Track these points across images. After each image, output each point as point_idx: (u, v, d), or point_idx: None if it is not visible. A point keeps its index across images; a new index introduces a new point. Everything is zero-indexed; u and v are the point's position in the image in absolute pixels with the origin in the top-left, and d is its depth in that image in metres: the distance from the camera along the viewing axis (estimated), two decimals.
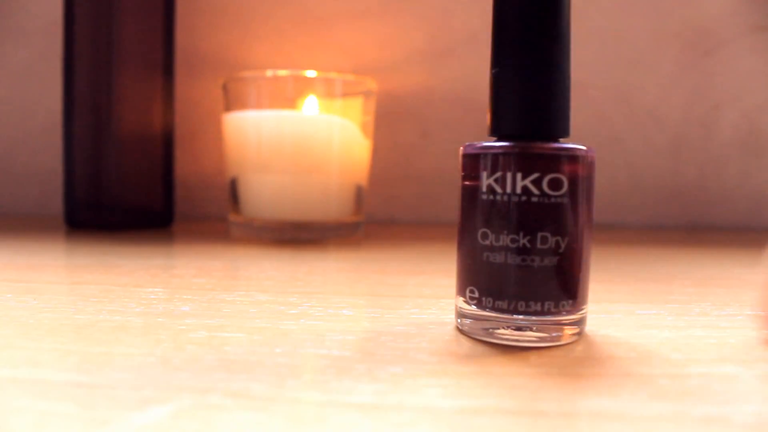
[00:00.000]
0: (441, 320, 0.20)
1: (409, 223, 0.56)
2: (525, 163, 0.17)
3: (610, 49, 0.56)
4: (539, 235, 0.17)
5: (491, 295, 0.17)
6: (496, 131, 0.18)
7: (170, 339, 0.17)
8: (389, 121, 0.55)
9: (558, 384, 0.14)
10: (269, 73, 0.42)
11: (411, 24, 0.56)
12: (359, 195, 0.43)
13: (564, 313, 0.17)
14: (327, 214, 0.41)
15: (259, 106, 0.41)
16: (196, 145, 0.56)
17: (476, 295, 0.18)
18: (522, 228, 0.17)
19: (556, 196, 0.17)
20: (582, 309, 0.18)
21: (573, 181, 0.17)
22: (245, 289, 0.24)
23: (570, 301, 0.17)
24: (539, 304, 0.17)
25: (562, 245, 0.17)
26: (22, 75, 0.58)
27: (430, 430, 0.12)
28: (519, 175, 0.17)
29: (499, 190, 0.17)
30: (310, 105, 0.41)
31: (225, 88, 0.43)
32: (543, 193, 0.17)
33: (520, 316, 0.17)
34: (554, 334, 0.17)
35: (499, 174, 0.17)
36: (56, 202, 0.51)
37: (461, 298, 0.18)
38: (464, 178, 0.18)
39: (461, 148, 0.19)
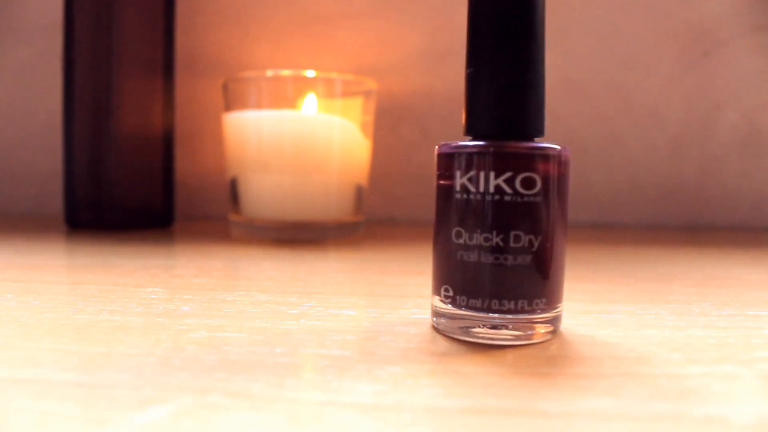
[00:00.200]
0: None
1: (409, 223, 0.56)
2: (498, 162, 0.17)
3: (610, 49, 0.56)
4: (513, 233, 0.17)
5: (465, 293, 0.17)
6: (471, 131, 0.18)
7: (170, 339, 0.17)
8: (389, 121, 0.55)
9: (558, 384, 0.14)
10: (269, 73, 0.42)
11: (411, 24, 0.56)
12: (359, 195, 0.43)
13: (538, 311, 0.18)
14: (327, 214, 0.41)
15: (259, 106, 0.41)
16: (196, 145, 0.56)
17: (451, 293, 0.18)
18: (495, 227, 0.17)
19: (529, 195, 0.17)
20: (557, 307, 0.18)
21: (546, 180, 0.17)
22: (245, 289, 0.24)
23: (544, 299, 0.18)
24: (513, 303, 0.17)
25: (536, 244, 0.17)
26: (22, 75, 0.58)
27: (430, 430, 0.12)
28: (492, 174, 0.17)
29: (472, 189, 0.17)
30: (309, 103, 0.41)
31: (225, 88, 0.43)
32: (516, 192, 0.17)
33: (495, 315, 0.17)
34: (529, 332, 0.18)
35: (472, 173, 0.17)
36: (56, 202, 0.51)
37: (437, 297, 0.19)
38: (439, 177, 0.18)
39: (436, 147, 0.19)
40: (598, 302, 0.23)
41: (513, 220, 0.17)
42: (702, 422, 0.12)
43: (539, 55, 0.18)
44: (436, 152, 0.19)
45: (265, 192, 0.41)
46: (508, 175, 0.17)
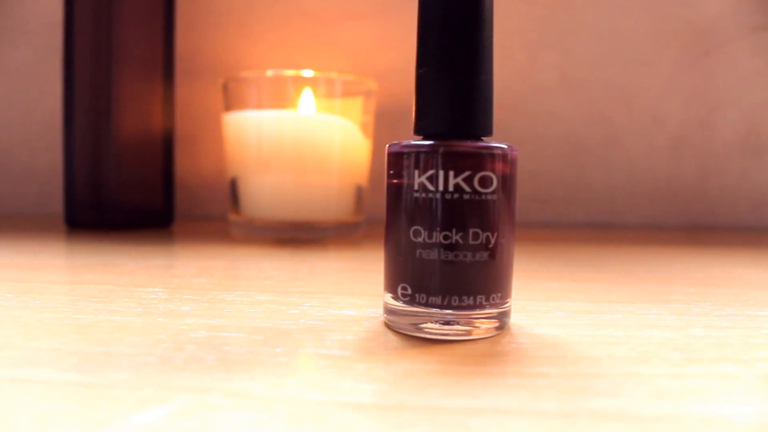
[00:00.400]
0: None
1: None
2: (457, 161, 0.17)
3: (610, 49, 0.56)
4: (471, 231, 0.17)
5: (424, 291, 0.18)
6: (422, 130, 0.19)
7: (170, 339, 0.17)
8: (389, 121, 0.55)
9: (558, 384, 0.14)
10: (269, 73, 0.42)
11: (411, 24, 0.56)
12: (359, 195, 0.43)
13: (493, 305, 0.18)
14: (327, 214, 0.41)
15: (259, 106, 0.41)
16: (196, 145, 0.56)
17: (409, 291, 0.18)
18: (455, 225, 0.17)
19: (486, 194, 0.18)
20: (507, 302, 0.19)
21: (501, 179, 0.18)
22: (245, 289, 0.24)
23: (499, 294, 0.18)
24: (472, 299, 0.18)
25: (492, 240, 0.18)
26: (22, 75, 0.58)
27: (430, 430, 0.12)
28: (451, 174, 0.17)
29: (431, 188, 0.18)
30: (306, 100, 0.40)
31: (225, 88, 0.43)
32: (474, 191, 0.17)
33: (450, 311, 0.18)
34: (483, 327, 0.18)
35: (431, 172, 0.18)
36: (56, 202, 0.52)
37: (389, 295, 0.19)
38: (391, 176, 0.19)
39: (387, 146, 0.19)
40: (598, 302, 0.23)
41: (471, 218, 0.17)
42: (702, 422, 0.12)
43: (488, 56, 0.18)
44: (386, 151, 0.19)
45: (265, 192, 0.41)
46: (467, 174, 0.17)
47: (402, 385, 0.14)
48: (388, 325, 0.19)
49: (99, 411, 0.12)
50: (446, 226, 0.17)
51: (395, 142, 0.19)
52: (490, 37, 0.18)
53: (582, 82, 0.56)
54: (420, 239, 0.18)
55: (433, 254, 0.18)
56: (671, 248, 0.41)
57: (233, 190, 0.42)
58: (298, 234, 0.40)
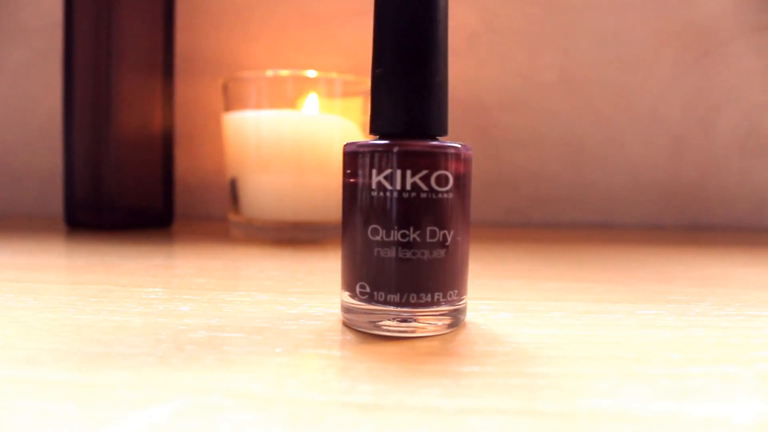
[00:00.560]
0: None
1: None
2: (414, 160, 0.18)
3: (610, 49, 0.56)
4: (428, 229, 0.18)
5: (382, 289, 0.18)
6: (377, 130, 0.19)
7: (170, 339, 0.17)
8: None
9: (558, 384, 0.14)
10: (269, 73, 0.42)
11: None
12: None
13: (450, 302, 0.18)
14: (327, 214, 0.41)
15: (259, 106, 0.41)
16: (196, 145, 0.56)
17: (367, 289, 0.18)
18: (411, 223, 0.18)
19: (442, 192, 0.18)
20: (463, 298, 0.19)
21: (456, 178, 0.18)
22: (245, 289, 0.24)
23: (456, 291, 0.18)
24: (429, 295, 0.18)
25: (449, 238, 0.18)
26: (22, 75, 0.58)
27: (430, 430, 0.12)
28: (408, 173, 0.18)
29: (389, 186, 0.18)
30: (311, 103, 0.41)
31: (225, 88, 0.43)
32: (431, 189, 0.18)
33: (408, 308, 0.18)
34: (440, 324, 0.18)
35: (388, 171, 0.18)
36: (56, 202, 0.52)
37: (347, 293, 0.19)
38: (348, 176, 0.19)
39: (344, 146, 0.19)
40: (598, 302, 0.23)
41: (428, 216, 0.18)
42: (702, 422, 0.12)
43: (442, 56, 0.19)
44: (343, 151, 0.19)
45: (265, 192, 0.41)
46: (423, 173, 0.18)
47: (402, 384, 0.14)
48: (346, 324, 0.19)
49: (99, 411, 0.12)
50: (403, 225, 0.18)
51: (352, 141, 0.19)
52: (445, 38, 0.19)
53: (582, 82, 0.56)
54: (378, 238, 0.18)
55: (391, 252, 0.18)
56: (671, 248, 0.41)
57: (233, 190, 0.42)
58: (298, 234, 0.40)
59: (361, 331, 0.19)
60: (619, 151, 0.57)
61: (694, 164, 0.57)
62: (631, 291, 0.26)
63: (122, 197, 0.44)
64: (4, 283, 0.25)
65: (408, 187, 0.18)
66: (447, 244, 0.18)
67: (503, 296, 0.24)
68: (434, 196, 0.18)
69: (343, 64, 0.54)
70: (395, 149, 0.18)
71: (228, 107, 0.43)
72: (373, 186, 0.18)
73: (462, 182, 0.18)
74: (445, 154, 0.18)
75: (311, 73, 0.42)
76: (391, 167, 0.18)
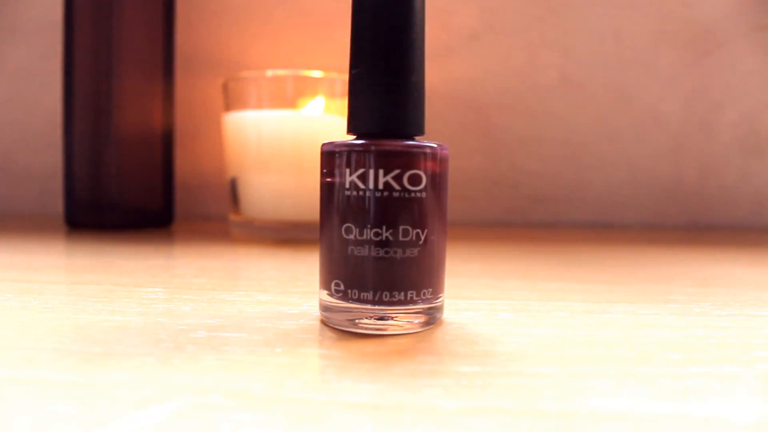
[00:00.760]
0: (442, 320, 0.20)
1: None
2: (387, 160, 0.18)
3: (610, 49, 0.56)
4: (401, 228, 0.18)
5: (356, 287, 0.18)
6: (355, 129, 0.19)
7: (170, 339, 0.17)
8: None
9: (558, 384, 0.14)
10: (269, 73, 0.42)
11: None
12: None
13: (425, 300, 0.19)
14: None
15: (259, 106, 0.41)
16: (196, 145, 0.56)
17: (342, 287, 0.18)
18: (385, 222, 0.18)
19: (416, 191, 0.18)
20: (440, 296, 0.19)
21: (431, 177, 0.18)
22: (245, 289, 0.24)
23: (430, 290, 0.19)
24: (403, 294, 0.18)
25: (422, 237, 0.18)
26: (22, 75, 0.58)
27: (430, 430, 0.12)
28: (381, 172, 0.18)
29: (362, 186, 0.18)
30: (317, 106, 0.41)
31: (225, 88, 0.43)
32: (404, 189, 0.18)
33: (385, 306, 0.18)
34: (416, 322, 0.19)
35: (362, 171, 0.18)
36: (56, 202, 0.52)
37: (325, 291, 0.19)
38: (325, 175, 0.19)
39: (321, 145, 0.19)
40: (598, 302, 0.23)
41: (401, 215, 0.18)
42: (702, 422, 0.12)
43: (418, 57, 0.19)
44: (320, 150, 0.19)
45: (265, 192, 0.41)
46: (396, 172, 0.18)
47: (402, 384, 0.14)
48: (324, 322, 0.19)
49: (99, 411, 0.12)
50: (377, 224, 0.18)
51: (329, 141, 0.19)
52: (421, 39, 0.19)
53: (582, 82, 0.56)
54: (352, 236, 0.18)
55: (365, 251, 0.18)
56: (671, 248, 0.41)
57: (233, 190, 0.42)
58: (298, 234, 0.40)
59: (340, 329, 0.19)
60: (619, 151, 0.57)
61: (694, 164, 0.57)
62: (631, 291, 0.26)
63: (122, 197, 0.44)
64: (4, 283, 0.25)
65: (381, 186, 0.18)
66: (420, 243, 0.18)
67: (503, 296, 0.24)
68: (407, 195, 0.18)
69: (343, 64, 0.54)
70: (369, 149, 0.18)
71: (228, 107, 0.43)
72: (348, 185, 0.18)
73: (437, 182, 0.19)
74: (419, 154, 0.18)
75: (312, 73, 0.42)
76: (365, 167, 0.18)
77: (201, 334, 0.18)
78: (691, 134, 0.56)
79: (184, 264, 0.31)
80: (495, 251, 0.38)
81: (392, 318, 0.18)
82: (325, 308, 0.19)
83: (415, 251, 0.18)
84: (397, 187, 0.18)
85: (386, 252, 0.18)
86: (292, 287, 0.25)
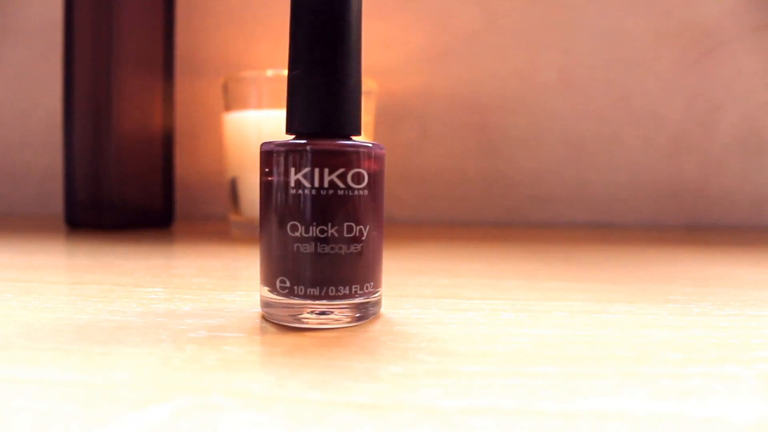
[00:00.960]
0: (441, 320, 0.20)
1: (408, 223, 0.56)
2: (331, 159, 0.18)
3: (610, 49, 0.56)
4: (345, 225, 0.19)
5: (302, 283, 0.19)
6: (294, 129, 0.19)
7: (170, 339, 0.17)
8: (389, 121, 0.55)
9: (557, 384, 0.14)
10: (269, 73, 0.42)
11: (411, 24, 0.56)
12: None
13: (367, 294, 0.19)
14: None
15: (259, 106, 0.41)
16: (196, 145, 0.56)
17: (287, 284, 0.19)
18: (330, 219, 0.18)
19: (358, 189, 0.19)
20: (378, 290, 0.20)
21: (371, 175, 0.19)
22: (245, 289, 0.25)
23: (372, 283, 0.19)
24: (347, 288, 0.19)
25: (365, 233, 0.19)
26: (22, 75, 0.58)
27: (430, 430, 0.12)
28: (326, 171, 0.18)
29: (307, 184, 0.18)
30: None
31: (225, 88, 0.43)
32: (348, 187, 0.19)
33: (327, 301, 0.19)
34: (357, 315, 0.19)
35: (307, 170, 0.18)
36: (56, 202, 0.52)
37: (266, 288, 0.19)
38: (266, 174, 0.19)
39: (261, 145, 0.20)
40: (598, 302, 0.23)
41: (345, 212, 0.19)
42: (702, 422, 0.12)
43: (355, 58, 0.20)
44: (260, 150, 0.20)
45: None
46: (340, 171, 0.18)
47: (402, 384, 0.14)
48: (265, 318, 0.20)
49: (99, 411, 0.12)
50: (322, 221, 0.18)
51: (269, 141, 0.19)
52: (358, 41, 0.20)
53: (582, 82, 0.56)
54: (297, 234, 0.18)
55: (310, 248, 0.18)
56: (671, 248, 0.41)
57: (233, 190, 0.42)
58: None
59: (281, 324, 0.19)
60: (619, 151, 0.57)
61: (694, 164, 0.57)
62: (631, 291, 0.26)
63: (122, 197, 0.44)
64: (4, 283, 0.25)
65: (326, 184, 0.18)
66: (363, 238, 0.19)
67: (503, 296, 0.24)
68: (351, 194, 0.19)
69: None
70: (312, 148, 0.18)
71: (228, 107, 0.43)
72: (292, 184, 0.18)
73: (375, 180, 0.19)
74: (359, 153, 0.19)
75: None
76: (308, 166, 0.18)
77: (201, 334, 0.18)
78: (691, 134, 0.56)
79: (184, 264, 0.31)
80: (495, 251, 0.38)
81: (333, 312, 0.19)
82: (267, 304, 0.20)
83: (359, 247, 0.19)
84: (341, 185, 0.18)
85: (331, 248, 0.18)
86: None
